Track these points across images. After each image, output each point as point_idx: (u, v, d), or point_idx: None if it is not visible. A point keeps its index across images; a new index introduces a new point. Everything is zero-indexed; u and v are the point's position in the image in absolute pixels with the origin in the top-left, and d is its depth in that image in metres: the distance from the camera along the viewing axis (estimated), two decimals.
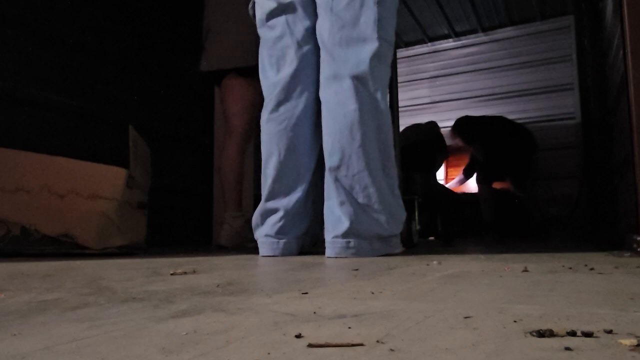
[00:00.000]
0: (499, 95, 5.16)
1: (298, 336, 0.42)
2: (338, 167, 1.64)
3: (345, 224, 1.62)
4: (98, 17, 2.57)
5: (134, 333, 0.45)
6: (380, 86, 1.69)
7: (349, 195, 1.63)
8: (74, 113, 2.41)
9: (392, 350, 0.37)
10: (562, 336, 0.41)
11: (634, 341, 0.38)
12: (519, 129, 4.42)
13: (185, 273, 1.03)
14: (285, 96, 1.78)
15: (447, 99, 5.48)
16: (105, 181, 1.90)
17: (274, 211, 1.80)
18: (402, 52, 5.52)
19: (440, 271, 1.03)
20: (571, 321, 0.47)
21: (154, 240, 2.24)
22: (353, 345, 0.39)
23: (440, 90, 5.52)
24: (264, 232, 1.80)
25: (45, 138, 2.24)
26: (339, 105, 1.66)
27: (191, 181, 3.16)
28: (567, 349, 0.36)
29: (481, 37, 5.35)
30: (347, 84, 1.65)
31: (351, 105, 1.63)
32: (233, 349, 0.38)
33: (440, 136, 4.40)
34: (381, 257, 1.56)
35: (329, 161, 1.67)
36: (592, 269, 1.03)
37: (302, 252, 1.83)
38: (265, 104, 1.84)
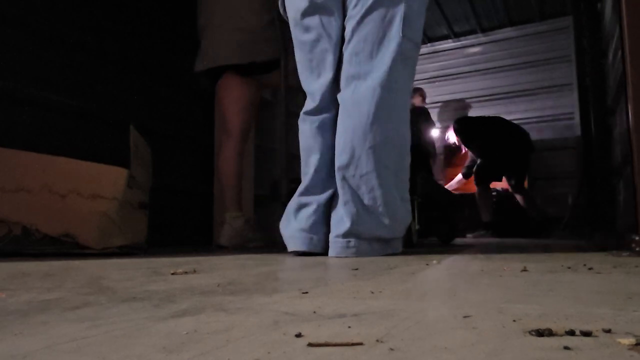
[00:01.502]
0: (499, 96, 5.17)
1: (298, 335, 0.42)
2: (347, 166, 1.63)
3: (346, 224, 1.61)
4: (98, 17, 2.57)
5: (134, 332, 0.45)
6: (401, 88, 1.67)
7: (354, 195, 1.63)
8: (74, 113, 2.41)
9: (391, 349, 0.37)
10: (561, 335, 0.41)
11: (633, 340, 0.38)
12: (516, 129, 4.44)
13: (185, 273, 1.03)
14: (325, 103, 1.78)
15: (447, 100, 5.49)
16: (106, 181, 1.90)
17: (307, 205, 1.76)
18: None
19: (440, 271, 1.03)
20: (570, 320, 0.47)
21: (154, 240, 2.25)
22: (353, 344, 0.39)
23: (440, 90, 5.53)
24: (298, 226, 1.73)
25: (46, 138, 2.24)
26: (354, 104, 1.65)
27: (191, 181, 3.16)
28: (566, 348, 0.37)
29: (480, 38, 5.36)
30: (366, 85, 1.63)
31: (366, 106, 1.61)
32: (233, 349, 0.38)
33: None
34: (381, 257, 1.56)
35: (339, 159, 1.66)
36: (590, 268, 1.03)
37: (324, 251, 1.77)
38: (306, 104, 1.83)
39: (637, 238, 1.50)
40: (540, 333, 0.41)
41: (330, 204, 1.75)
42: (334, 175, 1.74)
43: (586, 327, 0.42)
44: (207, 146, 3.25)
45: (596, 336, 0.40)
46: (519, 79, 5.08)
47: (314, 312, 0.54)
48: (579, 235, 3.86)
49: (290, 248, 1.72)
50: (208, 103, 3.27)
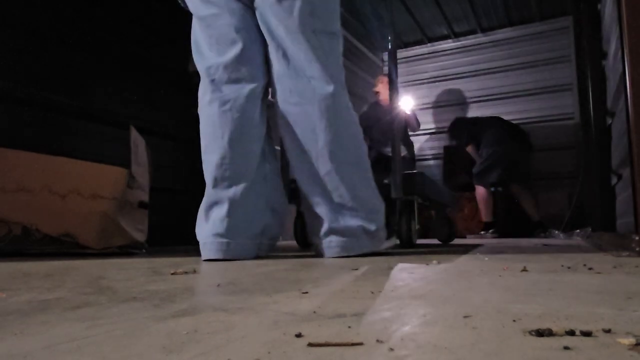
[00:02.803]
0: (499, 96, 5.17)
1: (298, 335, 0.42)
2: (307, 170, 1.59)
3: (324, 225, 1.58)
4: (98, 17, 2.57)
5: (134, 332, 0.45)
6: (336, 79, 1.59)
7: (322, 195, 1.58)
8: (74, 113, 2.41)
9: (391, 349, 0.37)
10: (561, 335, 0.41)
11: (633, 340, 0.38)
12: (515, 129, 4.43)
13: (185, 273, 1.03)
14: (229, 77, 1.61)
15: (447, 99, 5.48)
16: (106, 181, 1.90)
17: (217, 203, 1.58)
18: (402, 53, 5.53)
19: (440, 271, 1.03)
20: (570, 320, 0.47)
21: (154, 240, 2.25)
22: (353, 344, 0.39)
23: (440, 90, 5.53)
24: (211, 230, 1.56)
25: (46, 138, 2.24)
26: (297, 106, 1.58)
27: (191, 181, 3.15)
28: (566, 348, 0.37)
29: (480, 38, 5.36)
30: (302, 84, 1.56)
31: (310, 106, 1.55)
32: (233, 348, 0.38)
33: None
34: (381, 257, 1.55)
35: (295, 163, 1.61)
36: (590, 268, 1.03)
37: (259, 255, 1.65)
38: (204, 86, 1.65)
39: (637, 238, 1.50)
40: (540, 333, 0.41)
41: (249, 198, 1.60)
42: (247, 165, 1.61)
43: (586, 327, 0.42)
44: None
45: (596, 336, 0.40)
46: (519, 79, 5.08)
47: (314, 312, 0.54)
48: (580, 235, 3.85)
49: (204, 257, 1.56)
50: None
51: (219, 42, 1.62)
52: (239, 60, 1.61)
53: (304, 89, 1.57)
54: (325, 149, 1.55)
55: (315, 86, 1.55)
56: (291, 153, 1.63)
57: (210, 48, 1.63)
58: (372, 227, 1.60)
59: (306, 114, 1.56)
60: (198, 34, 1.68)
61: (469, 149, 4.47)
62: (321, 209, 1.59)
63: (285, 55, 1.59)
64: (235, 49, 1.60)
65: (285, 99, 1.61)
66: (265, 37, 1.63)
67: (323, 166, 1.56)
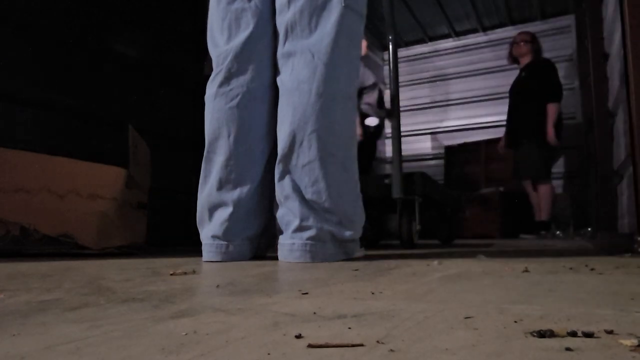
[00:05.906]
0: (500, 95, 5.16)
1: (298, 336, 0.42)
2: (288, 155, 1.44)
3: (290, 225, 1.44)
4: (98, 17, 2.57)
5: (133, 333, 0.45)
6: (344, 65, 1.47)
7: (296, 188, 1.43)
8: (74, 113, 2.41)
9: (392, 350, 0.37)
10: (563, 336, 0.40)
11: (635, 341, 0.38)
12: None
13: (185, 273, 1.03)
14: (238, 67, 1.52)
15: (448, 99, 5.48)
16: (105, 181, 1.90)
17: (221, 205, 1.53)
18: (402, 52, 5.53)
19: (441, 271, 1.03)
20: (572, 321, 0.47)
21: (154, 240, 2.24)
22: (353, 345, 0.39)
23: (441, 90, 5.53)
24: (211, 232, 1.52)
25: (45, 138, 2.24)
26: (294, 84, 1.45)
27: (191, 181, 3.15)
28: (568, 349, 0.36)
29: (481, 37, 5.36)
30: (305, 61, 1.44)
31: (307, 85, 1.42)
32: (233, 349, 0.38)
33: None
34: (382, 258, 1.55)
35: (279, 148, 1.47)
36: (592, 269, 1.02)
37: (257, 255, 1.59)
38: (212, 76, 1.58)
39: (638, 238, 1.50)
40: (541, 334, 0.41)
41: (251, 199, 1.53)
42: (252, 165, 1.54)
43: (588, 328, 0.42)
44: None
45: (598, 337, 0.40)
46: None
47: (314, 312, 0.54)
48: (581, 235, 3.85)
49: (204, 258, 1.53)
50: None
51: (231, 26, 1.55)
52: (249, 45, 1.53)
53: (305, 68, 1.44)
54: (314, 134, 1.40)
55: (319, 66, 1.43)
56: (279, 134, 1.49)
57: (221, 33, 1.57)
58: (345, 234, 1.45)
59: (302, 93, 1.43)
60: (213, 17, 1.61)
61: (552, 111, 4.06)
62: (290, 204, 1.44)
63: (294, 32, 1.49)
64: (246, 32, 1.53)
65: (286, 78, 1.49)
66: (278, 17, 1.54)
67: (307, 154, 1.41)
